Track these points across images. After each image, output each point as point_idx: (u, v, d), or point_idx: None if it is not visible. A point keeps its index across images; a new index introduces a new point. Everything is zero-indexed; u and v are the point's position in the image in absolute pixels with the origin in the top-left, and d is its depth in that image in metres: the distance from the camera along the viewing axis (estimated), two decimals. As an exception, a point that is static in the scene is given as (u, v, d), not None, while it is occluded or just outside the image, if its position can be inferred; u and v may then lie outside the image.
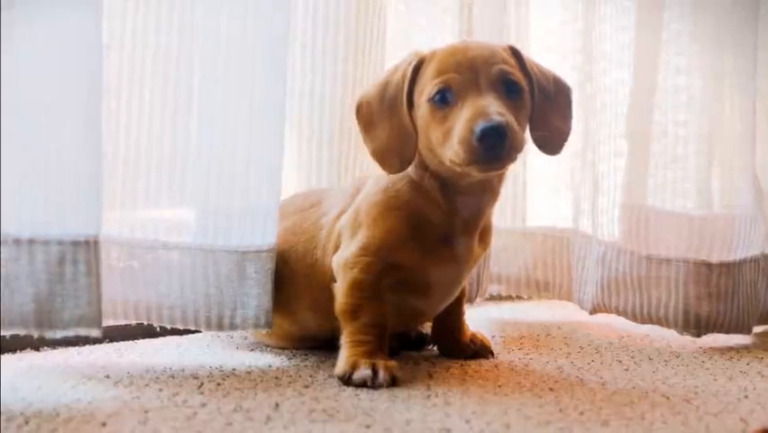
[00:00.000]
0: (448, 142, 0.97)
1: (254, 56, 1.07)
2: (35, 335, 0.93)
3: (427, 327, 1.23)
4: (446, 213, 1.05)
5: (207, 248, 1.08)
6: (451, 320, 1.18)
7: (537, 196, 1.55)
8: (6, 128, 0.91)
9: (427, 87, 1.00)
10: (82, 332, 0.95)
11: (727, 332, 1.34)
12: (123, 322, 1.15)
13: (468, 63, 0.99)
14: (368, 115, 1.05)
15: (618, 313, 1.37)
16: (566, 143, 1.09)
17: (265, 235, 1.09)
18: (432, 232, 1.05)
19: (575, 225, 1.45)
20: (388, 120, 1.04)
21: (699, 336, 1.33)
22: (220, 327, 1.09)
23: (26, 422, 0.82)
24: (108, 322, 1.15)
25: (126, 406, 0.89)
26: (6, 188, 0.91)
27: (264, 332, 1.14)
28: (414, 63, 1.03)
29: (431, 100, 1.00)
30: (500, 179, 1.07)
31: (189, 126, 1.09)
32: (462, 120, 0.96)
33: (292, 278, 1.11)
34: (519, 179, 1.50)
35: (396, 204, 1.05)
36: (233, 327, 1.09)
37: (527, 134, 1.04)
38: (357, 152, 1.31)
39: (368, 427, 0.84)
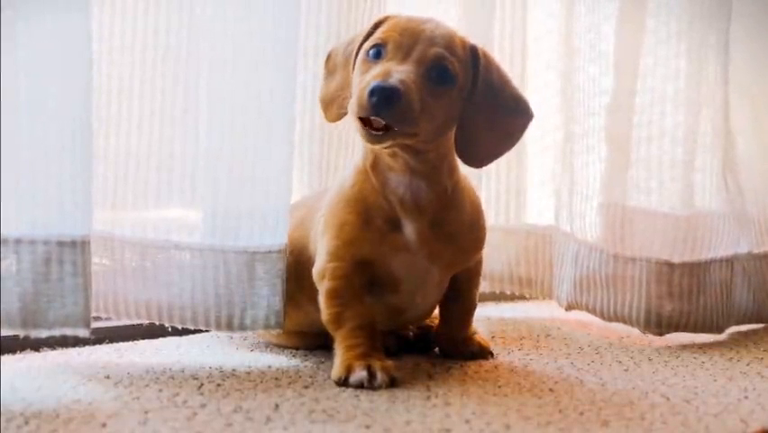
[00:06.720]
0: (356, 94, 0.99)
1: (263, 57, 1.08)
2: (21, 334, 0.94)
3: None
4: (383, 193, 1.05)
5: (218, 248, 1.09)
6: (452, 322, 1.17)
7: (522, 193, 1.55)
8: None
9: (370, 40, 1.02)
10: (68, 332, 0.95)
11: (694, 331, 1.35)
12: (135, 321, 1.16)
13: (413, 32, 1.00)
14: (331, 65, 1.10)
15: (588, 311, 1.39)
16: (490, 161, 1.09)
17: (275, 236, 1.10)
18: (378, 217, 1.05)
19: (557, 223, 1.46)
20: (342, 70, 1.07)
21: (661, 334, 1.34)
22: (230, 328, 1.10)
23: (26, 423, 0.82)
24: (122, 321, 1.17)
25: (126, 406, 0.89)
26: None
27: (273, 332, 1.14)
28: (375, 20, 1.05)
29: (366, 52, 1.01)
30: (424, 161, 1.04)
31: (198, 127, 1.10)
32: (369, 75, 0.97)
33: (295, 271, 1.11)
34: (503, 177, 1.51)
35: (345, 196, 1.06)
36: (243, 327, 1.10)
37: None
38: (339, 155, 1.31)
39: (367, 427, 0.84)
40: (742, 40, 1.44)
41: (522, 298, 1.63)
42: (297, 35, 1.12)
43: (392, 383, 0.99)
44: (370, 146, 1.02)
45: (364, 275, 1.05)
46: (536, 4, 1.51)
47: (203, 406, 0.90)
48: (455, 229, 1.08)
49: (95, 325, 1.02)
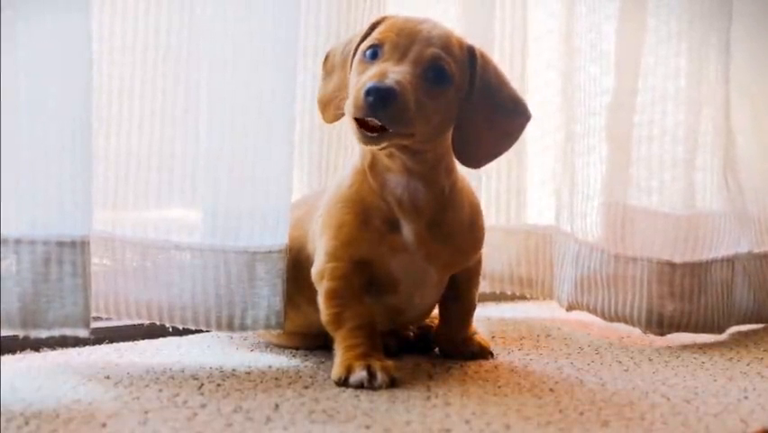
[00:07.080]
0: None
1: (263, 57, 1.08)
2: (21, 334, 0.94)
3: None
4: (380, 194, 1.05)
5: (218, 249, 1.09)
6: (452, 322, 1.17)
7: (523, 193, 1.55)
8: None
9: (367, 41, 1.02)
10: (68, 332, 0.95)
11: (695, 331, 1.36)
12: (135, 321, 1.16)
13: (410, 32, 1.00)
14: (329, 65, 1.10)
15: (590, 311, 1.39)
16: (488, 161, 1.09)
17: (275, 236, 1.10)
18: (376, 217, 1.05)
19: (557, 223, 1.46)
20: (339, 71, 1.07)
21: (662, 334, 1.35)
22: (231, 328, 1.10)
23: (26, 423, 0.82)
24: (122, 321, 1.18)
25: (126, 407, 0.89)
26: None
27: (274, 332, 1.14)
28: (373, 21, 1.05)
29: (363, 52, 1.01)
30: (422, 162, 1.04)
31: (199, 127, 1.10)
32: (365, 76, 0.97)
33: (294, 270, 1.11)
34: (503, 177, 1.51)
35: (343, 196, 1.06)
36: (243, 327, 1.10)
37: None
38: (339, 155, 1.31)
39: (367, 427, 0.84)
40: (742, 39, 1.44)
41: (522, 298, 1.63)
42: (297, 35, 1.12)
43: (392, 383, 0.99)
44: (365, 147, 1.02)
45: (363, 275, 1.05)
46: (537, 3, 1.51)
47: (203, 406, 0.90)
48: (453, 230, 1.08)
49: (95, 325, 1.03)
